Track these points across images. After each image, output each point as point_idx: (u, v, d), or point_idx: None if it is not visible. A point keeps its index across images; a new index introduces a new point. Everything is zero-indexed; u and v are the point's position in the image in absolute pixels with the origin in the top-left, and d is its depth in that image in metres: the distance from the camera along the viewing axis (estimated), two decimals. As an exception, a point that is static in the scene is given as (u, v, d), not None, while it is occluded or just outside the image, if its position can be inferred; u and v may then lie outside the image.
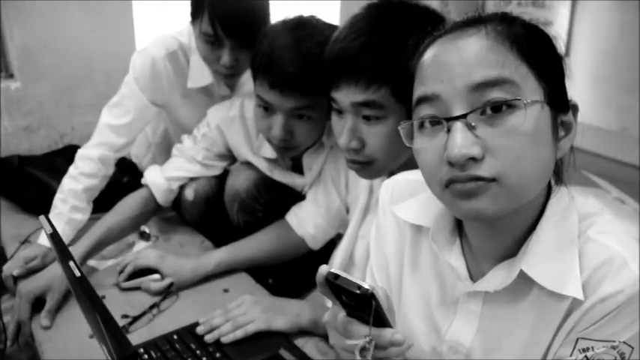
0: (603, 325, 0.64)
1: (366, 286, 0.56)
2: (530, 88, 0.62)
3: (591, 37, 2.68)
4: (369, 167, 1.03)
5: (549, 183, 0.72)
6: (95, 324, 0.79)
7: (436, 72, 0.65)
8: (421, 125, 0.67)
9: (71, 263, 0.75)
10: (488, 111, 0.61)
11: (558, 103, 0.66)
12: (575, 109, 0.69)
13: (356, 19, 1.01)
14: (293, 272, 1.46)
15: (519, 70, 0.62)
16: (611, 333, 0.63)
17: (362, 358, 0.61)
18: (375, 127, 0.99)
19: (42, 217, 0.88)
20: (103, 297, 1.25)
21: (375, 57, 0.94)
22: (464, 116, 0.61)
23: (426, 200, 0.80)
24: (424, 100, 0.66)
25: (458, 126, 0.61)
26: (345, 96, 0.98)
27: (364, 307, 0.59)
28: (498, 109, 0.61)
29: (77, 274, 0.74)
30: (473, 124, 0.61)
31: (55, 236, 0.85)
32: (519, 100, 0.60)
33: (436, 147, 0.64)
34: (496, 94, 0.61)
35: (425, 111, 0.66)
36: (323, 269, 0.60)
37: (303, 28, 1.21)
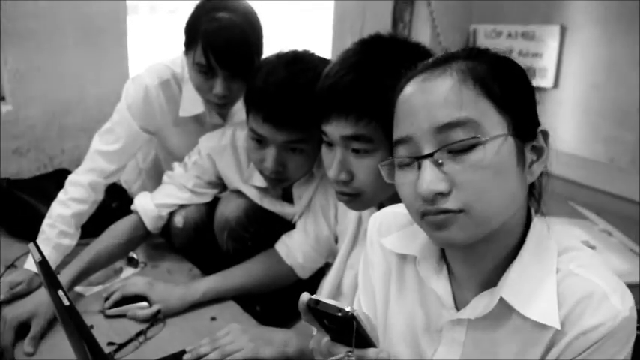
0: (586, 358, 0.66)
1: (347, 308, 0.58)
2: (492, 123, 0.67)
3: (580, 70, 2.74)
4: (358, 199, 1.05)
5: (529, 211, 0.75)
6: (82, 352, 0.79)
7: (406, 115, 0.71)
8: (399, 164, 0.73)
9: (60, 292, 0.75)
10: (454, 148, 0.66)
11: (525, 131, 0.70)
12: (545, 134, 0.72)
13: (347, 55, 1.03)
14: (281, 300, 1.45)
15: (480, 107, 0.67)
16: None
17: None
18: (364, 160, 1.00)
19: (31, 245, 0.88)
20: (92, 326, 1.23)
21: (365, 93, 0.96)
22: (430, 155, 0.67)
23: (412, 231, 0.82)
24: (399, 142, 0.72)
25: (426, 164, 0.67)
26: (336, 129, 1.00)
27: (347, 329, 0.60)
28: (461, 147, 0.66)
29: (66, 302, 0.74)
30: (440, 161, 0.67)
31: (43, 264, 0.85)
32: (477, 138, 0.65)
33: (411, 182, 0.70)
34: (457, 135, 0.66)
35: (401, 151, 0.72)
36: (304, 297, 0.61)
37: (298, 62, 1.23)
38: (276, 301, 1.46)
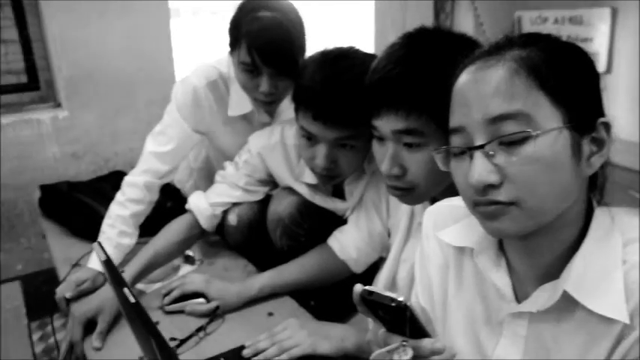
0: None
1: (399, 298, 0.58)
2: (546, 115, 0.65)
3: (633, 53, 2.64)
4: (411, 193, 1.04)
5: (590, 202, 0.73)
6: (148, 347, 0.81)
7: (460, 105, 0.71)
8: (453, 153, 0.73)
9: (125, 290, 0.78)
10: (505, 141, 0.66)
11: (584, 123, 0.67)
12: (607, 126, 0.70)
13: (393, 49, 1.03)
14: (335, 294, 1.46)
15: (534, 100, 0.65)
16: None
17: (398, 359, 0.62)
18: (416, 153, 1.00)
19: (95, 244, 0.92)
20: (157, 322, 1.27)
21: (414, 86, 0.95)
22: (482, 147, 0.67)
23: (469, 223, 0.82)
24: (453, 130, 0.72)
25: (477, 155, 0.67)
26: (386, 124, 0.99)
27: (401, 320, 0.60)
28: (512, 140, 0.65)
29: (132, 300, 0.76)
30: (491, 152, 0.67)
31: (108, 263, 0.89)
32: (528, 132, 0.64)
33: (464, 172, 0.70)
34: (509, 127, 0.65)
35: (454, 140, 0.72)
36: (357, 288, 0.62)
37: (343, 59, 1.23)
38: (331, 296, 1.47)
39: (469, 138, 0.69)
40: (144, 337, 0.82)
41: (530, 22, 2.97)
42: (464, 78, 0.71)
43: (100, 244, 0.89)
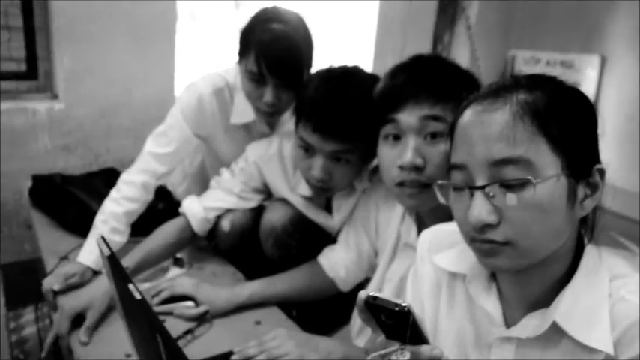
0: None
1: (403, 303, 0.60)
2: (546, 162, 0.69)
3: (619, 99, 2.74)
4: (425, 192, 1.07)
5: (581, 238, 0.77)
6: (147, 345, 0.82)
7: (463, 143, 0.74)
8: (454, 187, 0.76)
9: (130, 286, 0.78)
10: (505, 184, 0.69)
11: (580, 169, 0.71)
12: (601, 172, 0.73)
13: (402, 64, 1.11)
14: (316, 307, 1.49)
15: (535, 147, 0.69)
16: None
17: (395, 359, 0.64)
18: (436, 146, 1.05)
19: (99, 239, 0.92)
20: (164, 320, 1.27)
21: (443, 73, 1.05)
22: (482, 188, 0.70)
23: (462, 249, 0.85)
24: (455, 167, 0.75)
25: (477, 195, 0.71)
26: (411, 112, 1.05)
27: (403, 325, 0.62)
28: (512, 184, 0.69)
29: (137, 296, 0.77)
30: (491, 194, 0.70)
31: (112, 258, 0.89)
32: (528, 180, 0.68)
33: (463, 207, 0.73)
34: (510, 172, 0.69)
35: (455, 176, 0.75)
36: (362, 294, 0.64)
37: (348, 76, 1.28)
38: (312, 308, 1.49)
39: (470, 176, 0.72)
40: (146, 334, 0.82)
41: (524, 61, 3.07)
42: (469, 117, 0.74)
43: (103, 238, 0.90)
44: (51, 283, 1.34)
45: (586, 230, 0.78)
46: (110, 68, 2.37)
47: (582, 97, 0.75)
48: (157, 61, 2.48)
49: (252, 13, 1.51)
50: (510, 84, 0.74)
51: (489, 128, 0.70)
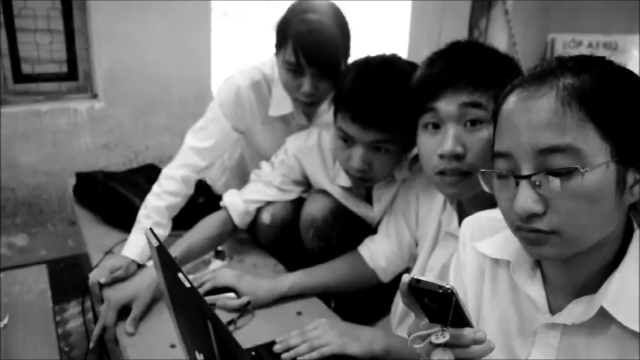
0: None
1: (447, 285, 0.59)
2: (594, 149, 0.66)
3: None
4: (466, 180, 1.05)
5: (630, 222, 0.74)
6: (199, 332, 0.82)
7: (508, 131, 0.72)
8: (498, 175, 0.74)
9: (180, 275, 0.79)
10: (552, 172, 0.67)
11: (631, 155, 0.68)
12: None
13: (439, 51, 1.09)
14: (354, 298, 1.48)
15: (584, 134, 0.66)
16: None
17: (435, 341, 0.63)
18: (477, 133, 1.03)
19: (147, 231, 0.93)
20: (213, 305, 1.29)
21: (479, 63, 1.03)
22: (529, 177, 0.68)
23: (506, 236, 0.83)
24: (499, 154, 0.73)
25: (524, 184, 0.69)
26: (449, 102, 1.03)
27: (446, 308, 0.61)
28: (559, 172, 0.66)
29: (187, 285, 0.78)
30: (537, 182, 0.68)
31: (160, 249, 0.90)
32: (576, 168, 0.65)
33: (508, 196, 0.72)
34: (557, 160, 0.66)
35: (500, 164, 0.73)
36: (406, 277, 0.63)
37: (387, 65, 1.26)
38: (351, 299, 1.49)
39: (515, 164, 0.70)
40: (196, 322, 0.83)
41: (564, 45, 2.98)
42: (513, 103, 0.72)
43: (152, 230, 0.91)
44: (97, 276, 1.37)
45: (635, 214, 0.75)
46: (147, 67, 2.41)
47: (633, 77, 0.71)
48: (192, 57, 2.51)
49: (287, 7, 1.51)
50: (556, 67, 0.71)
51: (535, 115, 0.68)
